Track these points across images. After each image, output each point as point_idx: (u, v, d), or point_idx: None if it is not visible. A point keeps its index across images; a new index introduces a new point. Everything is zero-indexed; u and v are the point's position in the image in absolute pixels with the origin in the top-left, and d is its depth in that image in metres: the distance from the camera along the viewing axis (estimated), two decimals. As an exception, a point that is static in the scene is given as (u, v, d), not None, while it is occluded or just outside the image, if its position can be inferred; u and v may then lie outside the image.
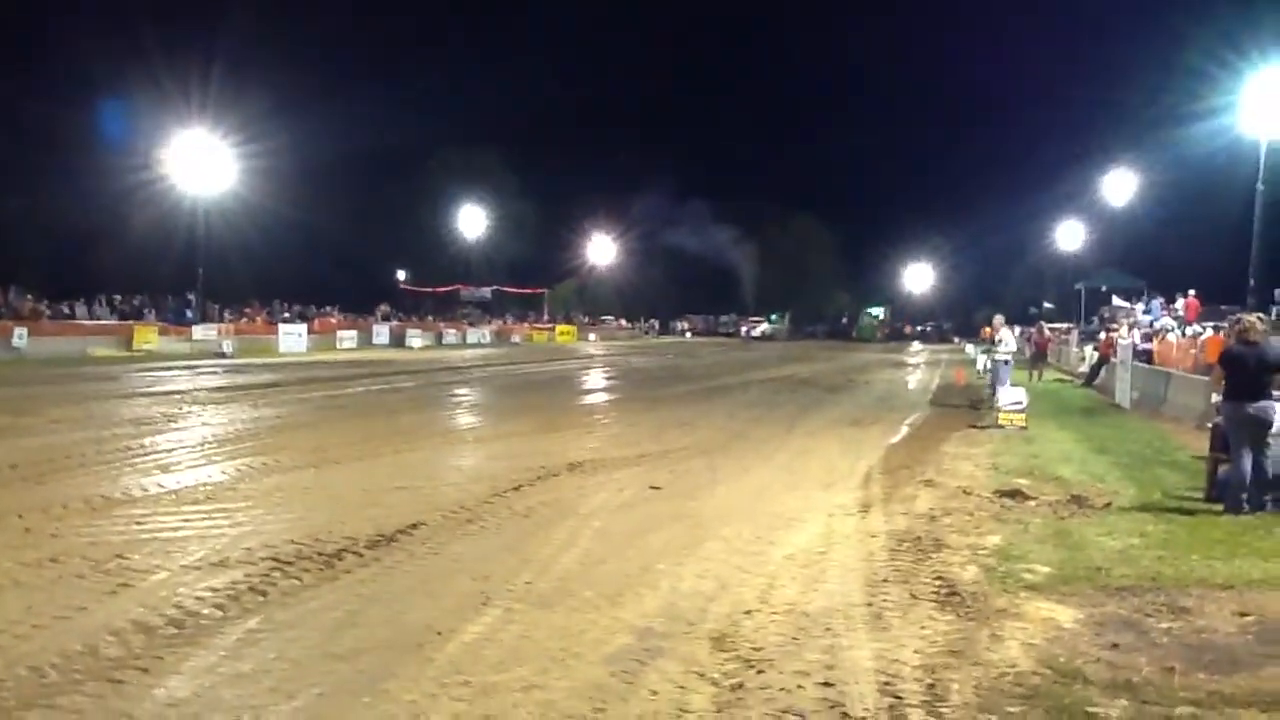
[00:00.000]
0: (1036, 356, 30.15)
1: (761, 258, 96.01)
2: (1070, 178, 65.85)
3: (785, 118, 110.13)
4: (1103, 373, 24.28)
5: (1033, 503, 9.02)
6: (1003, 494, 9.40)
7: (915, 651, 5.04)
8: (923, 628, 5.43)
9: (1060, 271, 70.08)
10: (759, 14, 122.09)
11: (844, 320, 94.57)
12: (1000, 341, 19.62)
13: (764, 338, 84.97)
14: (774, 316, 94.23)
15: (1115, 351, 22.48)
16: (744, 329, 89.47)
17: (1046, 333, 32.42)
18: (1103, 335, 27.79)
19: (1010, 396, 15.28)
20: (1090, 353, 27.97)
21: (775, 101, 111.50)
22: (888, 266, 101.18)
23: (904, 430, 15.42)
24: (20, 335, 33.24)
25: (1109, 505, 8.93)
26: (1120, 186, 54.62)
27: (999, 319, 21.51)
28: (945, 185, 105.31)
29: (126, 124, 47.89)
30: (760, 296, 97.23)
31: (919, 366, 38.36)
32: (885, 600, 5.94)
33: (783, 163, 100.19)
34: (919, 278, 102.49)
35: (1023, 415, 14.92)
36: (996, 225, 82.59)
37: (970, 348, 50.70)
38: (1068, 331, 41.38)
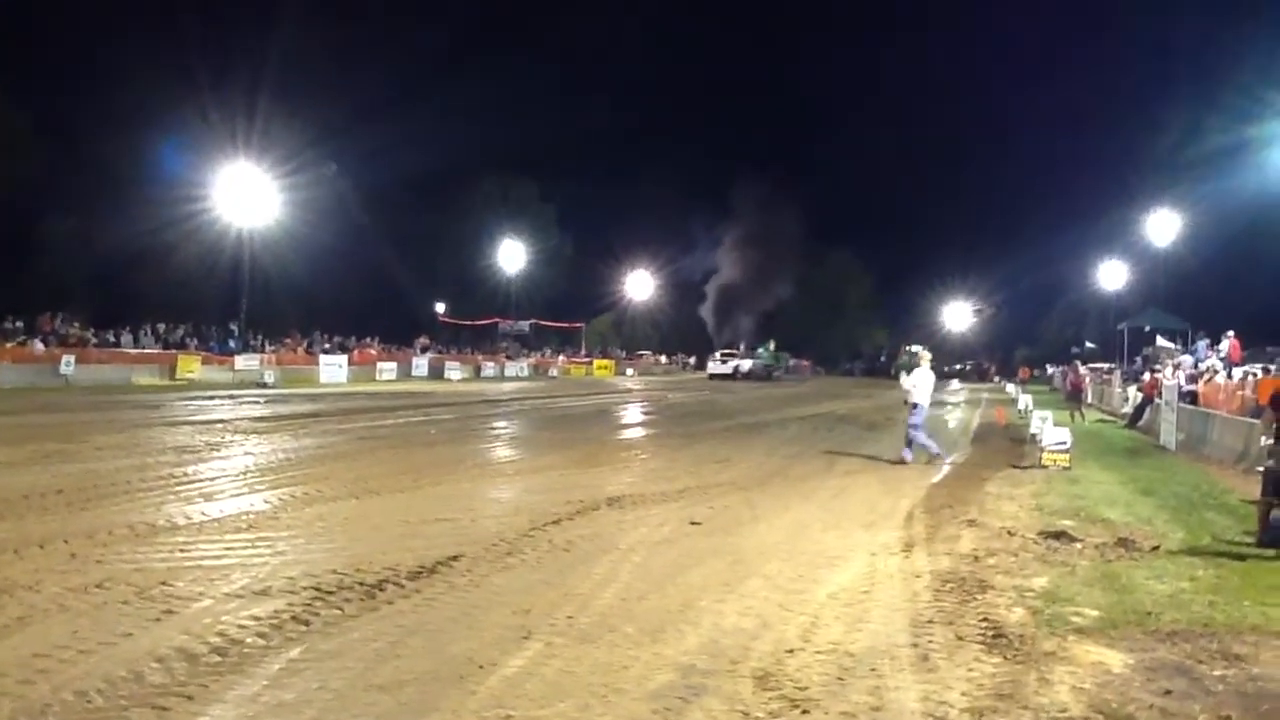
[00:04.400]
0: (1071, 395, 29.81)
1: (797, 293, 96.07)
2: (1112, 217, 65.45)
3: (823, 152, 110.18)
4: (1147, 413, 23.98)
5: (1079, 545, 8.89)
6: (1048, 535, 9.27)
7: (962, 694, 4.95)
8: (970, 670, 5.34)
9: (1102, 311, 69.57)
10: (797, 47, 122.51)
11: (882, 358, 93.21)
12: (911, 386, 16.12)
13: (752, 376, 64.92)
14: (762, 349, 77.26)
15: (1160, 392, 22.20)
16: (715, 363, 68.31)
17: (1081, 371, 32.04)
18: (1146, 376, 27.45)
19: (1055, 437, 15.11)
20: (1134, 393, 27.63)
21: (813, 136, 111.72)
22: (926, 304, 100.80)
23: (945, 469, 15.27)
24: (68, 362, 33.74)
25: (1157, 548, 8.79)
26: (1163, 226, 54.18)
27: (920, 352, 18.02)
28: (985, 223, 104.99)
29: (175, 155, 48.72)
30: (796, 332, 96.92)
31: (959, 405, 38.07)
32: (931, 641, 5.86)
33: (820, 198, 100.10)
34: (958, 316, 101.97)
35: (1067, 456, 14.75)
36: (1036, 264, 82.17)
37: (1011, 387, 50.35)
38: (1110, 372, 40.95)
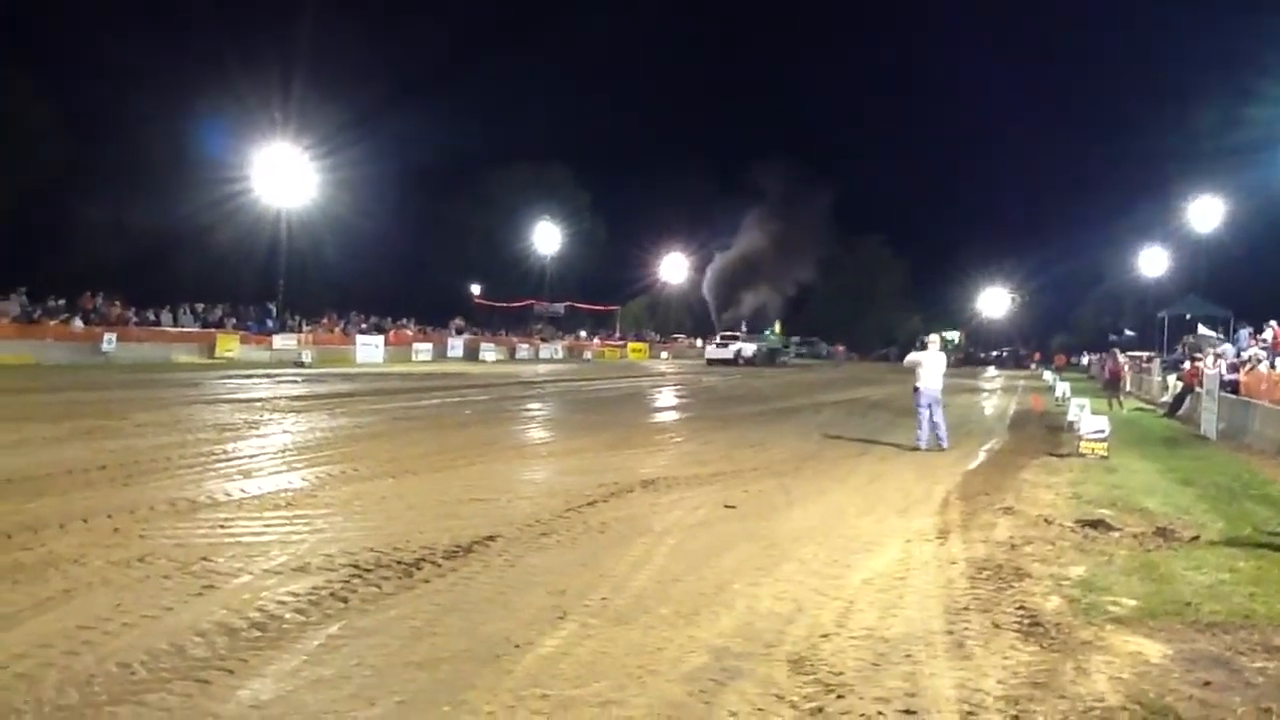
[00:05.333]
0: (1109, 384, 29.54)
1: (828, 279, 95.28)
2: (1152, 203, 64.68)
3: (857, 138, 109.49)
4: (1187, 403, 23.71)
5: (1116, 534, 8.80)
6: (1085, 524, 9.19)
7: (998, 682, 4.93)
8: (1005, 658, 5.32)
9: (1140, 298, 68.84)
10: (833, 33, 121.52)
11: (918, 344, 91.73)
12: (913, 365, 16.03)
13: (756, 361, 61.23)
14: (769, 332, 74.09)
15: (1201, 381, 21.94)
16: (713, 348, 64.22)
17: (1120, 359, 31.71)
18: (1187, 364, 27.13)
19: (1092, 425, 14.96)
20: (1173, 382, 27.33)
21: (846, 121, 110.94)
22: (961, 291, 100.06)
23: (981, 456, 15.18)
24: (109, 340, 34.23)
25: (1196, 539, 8.69)
26: (1205, 213, 53.47)
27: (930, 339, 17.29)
28: (1021, 210, 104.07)
29: (216, 137, 49.11)
30: (828, 318, 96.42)
31: (995, 392, 37.83)
32: (966, 628, 5.84)
33: (854, 184, 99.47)
34: (994, 302, 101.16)
35: (1104, 444, 14.61)
36: (1073, 250, 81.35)
37: (1049, 374, 49.94)
38: (1149, 360, 40.52)
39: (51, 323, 35.19)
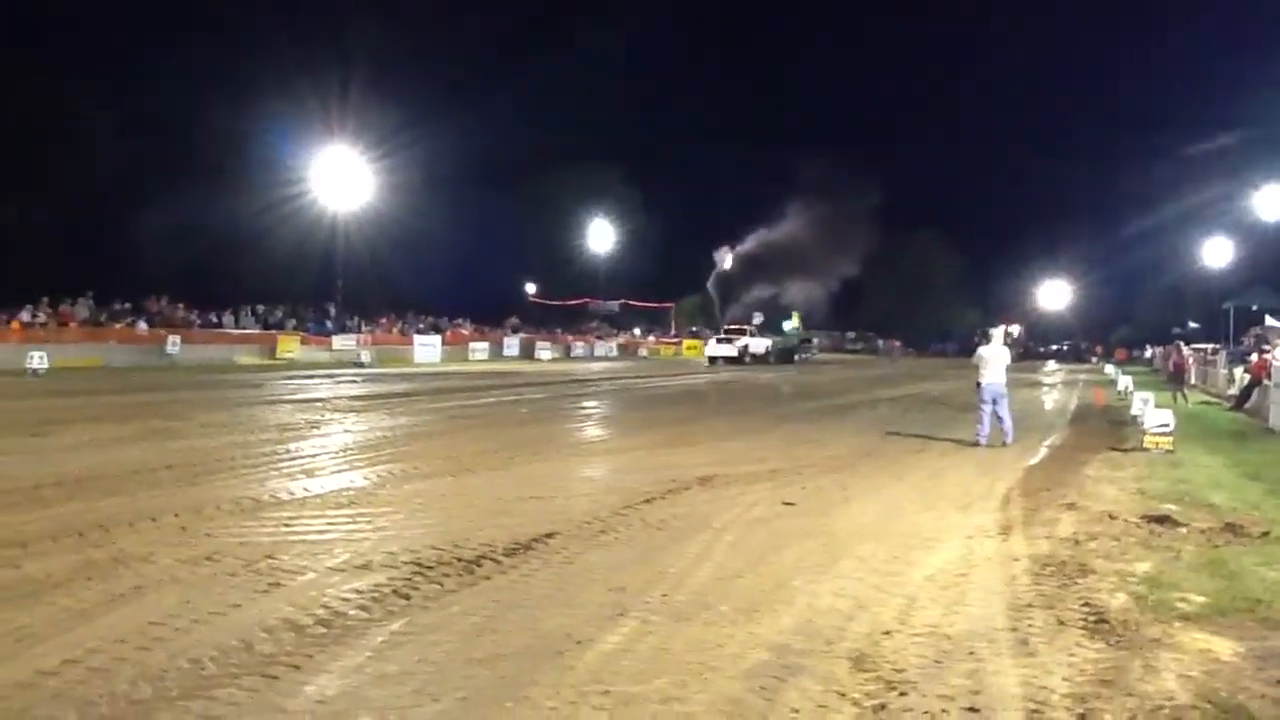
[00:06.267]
0: (1174, 377, 28.95)
1: (883, 273, 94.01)
2: (1215, 193, 63.30)
3: (913, 129, 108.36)
4: (1254, 395, 23.18)
5: (1183, 529, 8.64)
6: (1150, 519, 9.03)
7: (1064, 679, 4.86)
8: (1071, 655, 5.24)
9: (1203, 290, 67.44)
10: (888, 27, 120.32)
11: (976, 338, 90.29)
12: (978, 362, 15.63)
13: (769, 359, 55.39)
14: (790, 324, 66.87)
15: (1269, 374, 21.44)
16: (714, 345, 55.90)
17: (1184, 351, 31.08)
18: (1254, 357, 26.53)
19: (1156, 419, 14.70)
20: (1240, 375, 26.74)
21: (901, 110, 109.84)
22: (1019, 284, 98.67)
23: (1042, 451, 14.97)
24: (174, 343, 34.91)
25: (1266, 534, 8.49)
26: (1272, 202, 52.26)
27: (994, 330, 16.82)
28: (1081, 201, 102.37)
29: (285, 141, 49.81)
30: (883, 312, 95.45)
31: (1055, 386, 37.31)
32: (1030, 625, 5.76)
33: (909, 176, 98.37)
34: (1054, 294, 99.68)
35: (1169, 438, 14.34)
36: (1133, 242, 79.83)
37: (1110, 368, 49.15)
38: (1214, 352, 39.72)
39: (117, 326, 35.99)
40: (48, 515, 8.19)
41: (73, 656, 4.87)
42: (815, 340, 70.09)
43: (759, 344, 56.18)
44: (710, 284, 78.97)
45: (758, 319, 62.62)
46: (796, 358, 59.70)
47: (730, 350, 53.53)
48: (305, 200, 47.60)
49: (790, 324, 66.97)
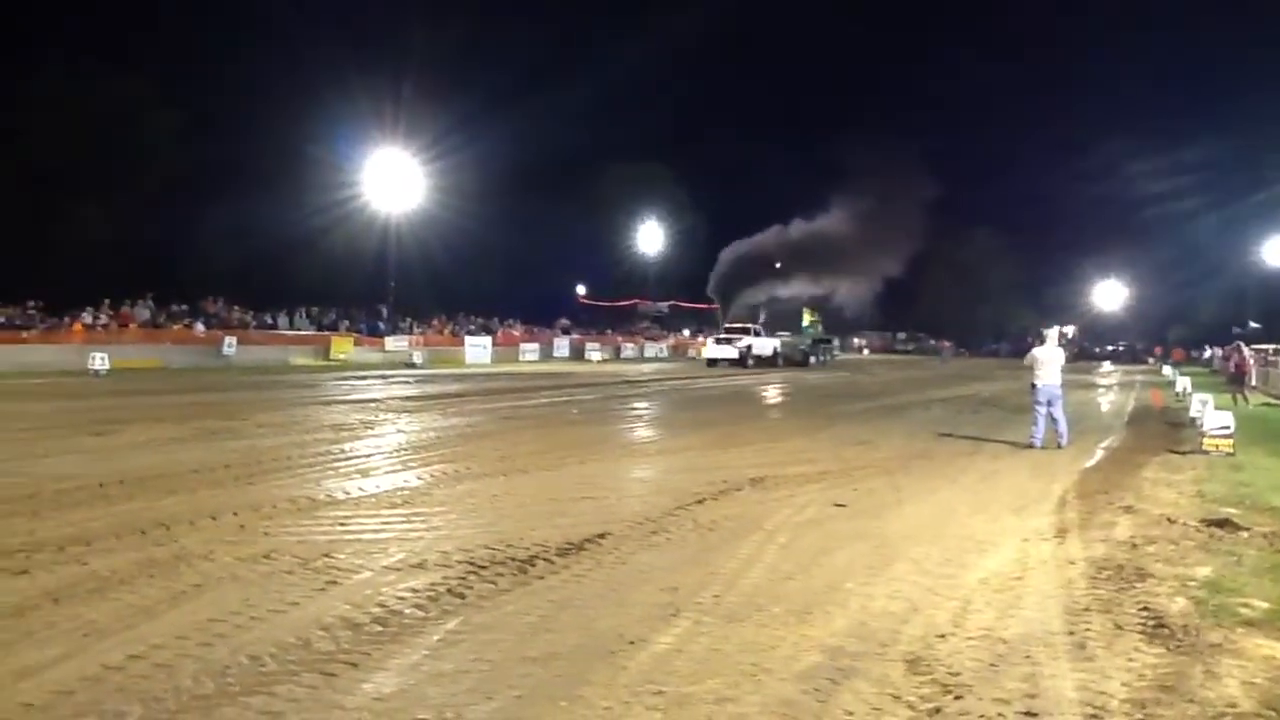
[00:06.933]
0: (1234, 378, 28.42)
1: (935, 273, 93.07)
2: (1277, 189, 62.02)
3: (968, 127, 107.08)
4: (1318, 397, 22.73)
5: (1245, 534, 8.48)
6: (1210, 523, 8.87)
7: (1123, 684, 4.81)
8: (1130, 660, 5.18)
9: (1264, 289, 66.17)
10: (947, 22, 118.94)
11: (1029, 339, 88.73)
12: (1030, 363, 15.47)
13: (776, 362, 50.65)
14: (808, 325, 63.21)
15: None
16: (713, 346, 51.11)
17: (1245, 352, 30.48)
18: (1318, 357, 25.98)
19: (1216, 420, 14.45)
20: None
21: (956, 110, 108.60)
22: (1075, 284, 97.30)
23: (1099, 454, 14.77)
24: (230, 344, 35.47)
25: (1331, 539, 8.34)
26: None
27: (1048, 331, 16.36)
28: (1136, 200, 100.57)
29: (329, 143, 50.35)
30: (936, 312, 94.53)
31: (1111, 388, 36.79)
32: (1087, 629, 5.70)
33: (962, 173, 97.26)
34: (1109, 294, 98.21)
35: (1230, 440, 14.09)
36: (1193, 240, 78.39)
37: (1167, 369, 48.37)
38: (1276, 353, 38.92)
39: (175, 327, 36.63)
40: (111, 513, 8.38)
41: (137, 652, 4.98)
42: (835, 341, 65.33)
43: (764, 345, 51.50)
44: (711, 288, 72.64)
45: (763, 318, 59.05)
46: (812, 360, 55.01)
47: (731, 352, 48.79)
48: (358, 203, 48.10)
49: (811, 324, 63.45)
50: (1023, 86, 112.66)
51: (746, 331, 51.36)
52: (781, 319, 61.80)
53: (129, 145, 48.08)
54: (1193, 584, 6.74)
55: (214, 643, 5.16)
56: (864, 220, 70.12)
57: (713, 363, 48.81)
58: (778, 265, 69.08)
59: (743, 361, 47.99)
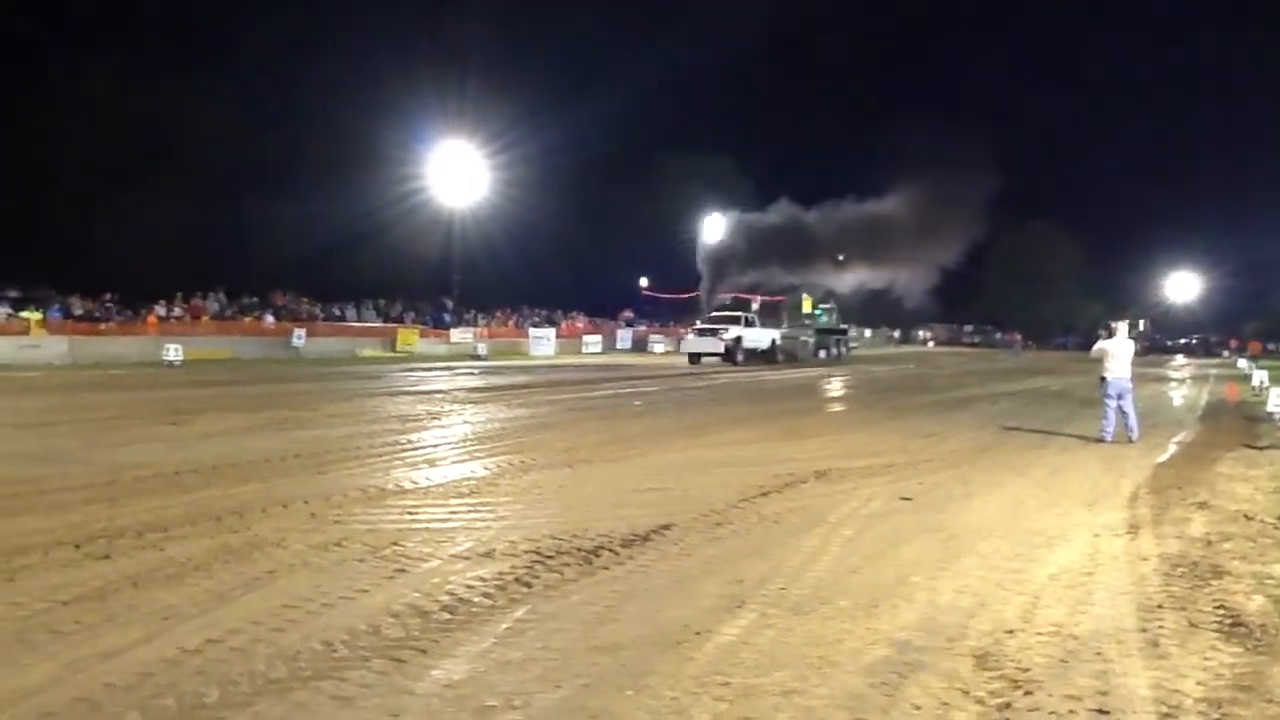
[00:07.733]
0: None
1: (1003, 264, 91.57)
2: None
3: (1038, 113, 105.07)
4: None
5: (1325, 531, 8.29)
6: (1289, 520, 8.68)
7: (1198, 683, 4.72)
8: (1205, 658, 5.08)
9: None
10: (1007, 13, 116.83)
11: (1099, 331, 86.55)
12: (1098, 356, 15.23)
13: (774, 356, 42.48)
14: (820, 310, 53.45)
15: None
16: (692, 337, 42.09)
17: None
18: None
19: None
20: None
21: (1027, 95, 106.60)
22: (1146, 276, 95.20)
23: (1172, 448, 14.46)
24: (299, 335, 36.09)
25: None
26: None
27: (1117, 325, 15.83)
28: (1210, 189, 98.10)
29: (396, 135, 50.90)
30: (1003, 305, 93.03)
31: (1184, 381, 36.00)
32: (1161, 627, 5.60)
33: (1029, 163, 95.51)
34: (1182, 286, 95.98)
35: (1309, 436, 13.75)
36: (1269, 230, 76.35)
37: (1243, 362, 47.20)
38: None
39: (245, 319, 37.35)
40: (187, 500, 8.58)
41: (213, 636, 5.10)
42: (850, 331, 57.53)
43: (758, 336, 41.94)
44: (701, 259, 63.03)
45: (756, 304, 51.20)
46: (822, 353, 48.75)
47: (715, 345, 39.54)
48: (424, 196, 48.58)
49: (825, 310, 54.52)
50: (1095, 72, 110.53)
51: (736, 320, 41.44)
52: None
53: (198, 142, 48.99)
54: (1271, 582, 6.59)
55: (286, 628, 5.26)
56: (923, 207, 67.13)
57: (694, 359, 40.30)
58: (840, 258, 67.37)
59: (731, 357, 39.12)
